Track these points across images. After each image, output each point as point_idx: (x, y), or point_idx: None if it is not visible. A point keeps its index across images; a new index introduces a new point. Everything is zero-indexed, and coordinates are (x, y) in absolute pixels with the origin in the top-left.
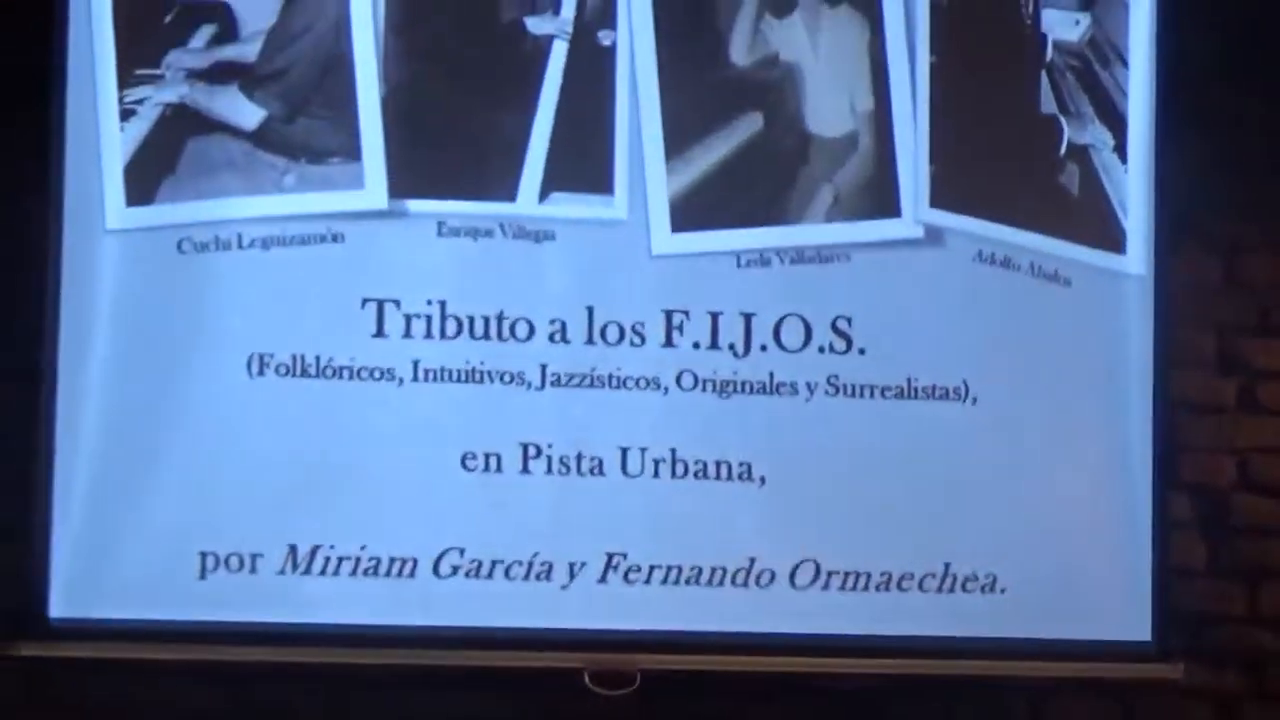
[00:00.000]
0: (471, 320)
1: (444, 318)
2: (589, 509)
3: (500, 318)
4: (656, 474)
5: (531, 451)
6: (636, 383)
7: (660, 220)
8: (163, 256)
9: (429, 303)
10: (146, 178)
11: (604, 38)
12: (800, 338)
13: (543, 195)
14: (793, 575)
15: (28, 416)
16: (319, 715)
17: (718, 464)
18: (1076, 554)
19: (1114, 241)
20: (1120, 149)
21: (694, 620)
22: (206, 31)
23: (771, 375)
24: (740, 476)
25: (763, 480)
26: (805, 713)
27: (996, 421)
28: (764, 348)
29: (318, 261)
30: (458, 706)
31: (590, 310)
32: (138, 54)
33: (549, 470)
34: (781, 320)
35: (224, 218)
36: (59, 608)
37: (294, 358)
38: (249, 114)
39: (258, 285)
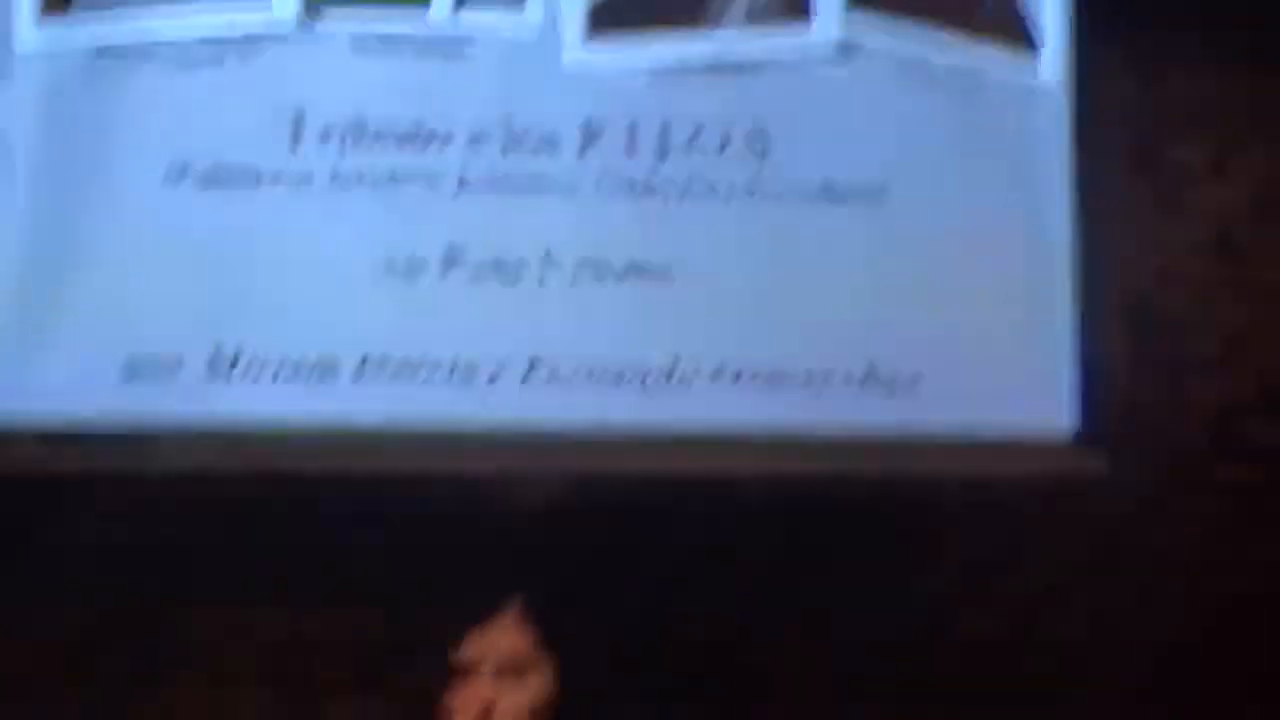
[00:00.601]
0: (389, 130)
1: (361, 127)
2: (509, 313)
3: (418, 126)
4: (576, 278)
5: (451, 256)
6: (555, 187)
7: (575, 30)
8: (81, 68)
9: (346, 114)
10: None
11: None
12: (718, 143)
13: (457, 5)
14: (714, 373)
15: None
16: (242, 519)
17: (636, 265)
18: (998, 348)
19: (1030, 44)
20: None
21: (617, 420)
22: None
23: (689, 178)
24: (659, 277)
25: (681, 280)
26: (721, 517)
27: (915, 222)
28: (682, 152)
29: (234, 75)
30: (376, 508)
31: (508, 118)
32: None
33: (470, 277)
34: (700, 128)
35: (140, 30)
36: None
37: (214, 165)
38: None
39: (175, 97)
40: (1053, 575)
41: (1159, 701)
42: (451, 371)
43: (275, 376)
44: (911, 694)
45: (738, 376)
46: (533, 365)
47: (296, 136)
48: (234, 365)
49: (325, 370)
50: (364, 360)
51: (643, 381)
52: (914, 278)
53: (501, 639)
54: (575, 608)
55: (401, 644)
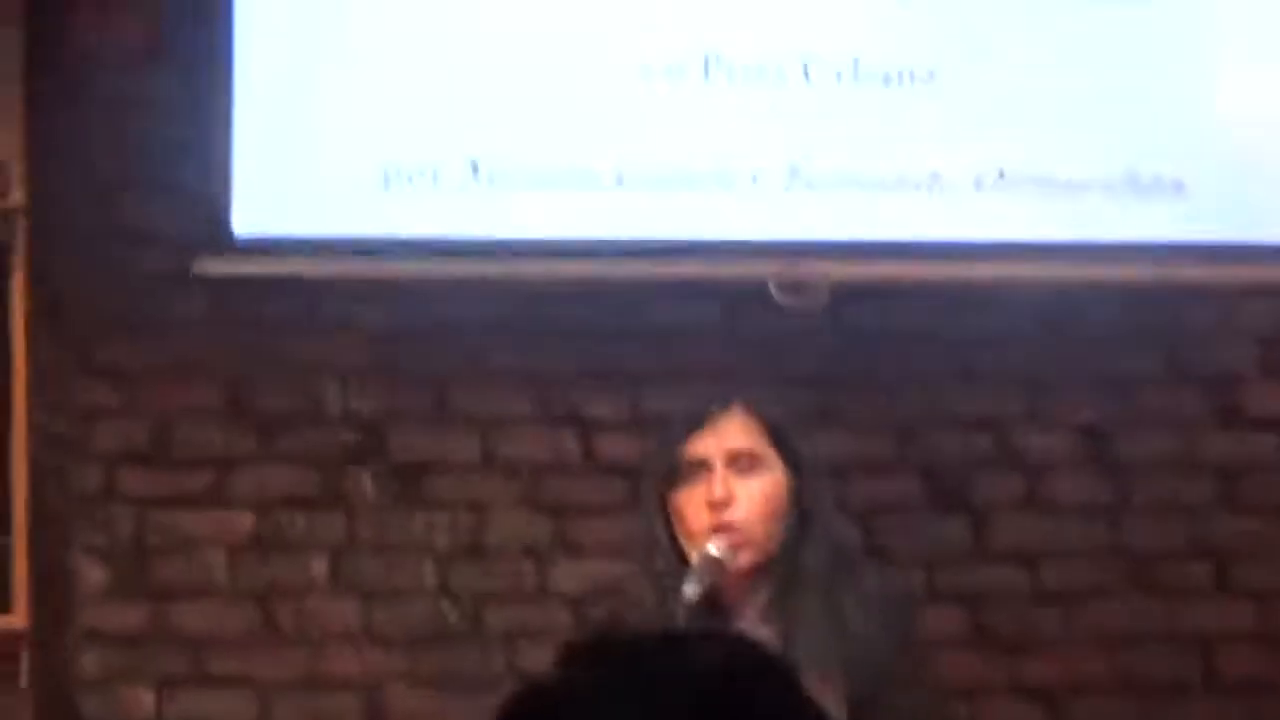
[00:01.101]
0: None
1: None
2: (772, 118)
3: None
4: (839, 80)
5: (713, 61)
6: None
7: None
8: None
9: None
10: None
11: None
12: None
13: None
14: (977, 181)
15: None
16: (503, 328)
17: (900, 71)
18: (1265, 155)
19: None
20: None
21: (879, 228)
22: None
23: None
24: (922, 80)
25: (945, 84)
26: (993, 321)
27: (1181, 22)
28: None
29: None
30: (646, 318)
31: None
32: None
33: (730, 79)
34: None
35: None
36: (242, 225)
37: None
38: None
39: None
40: None
41: None
42: (713, 179)
43: (532, 185)
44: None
45: (999, 181)
46: (793, 172)
47: None
48: (491, 175)
49: (583, 178)
50: (622, 168)
51: (905, 188)
52: (1179, 82)
53: (734, 433)
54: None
55: None
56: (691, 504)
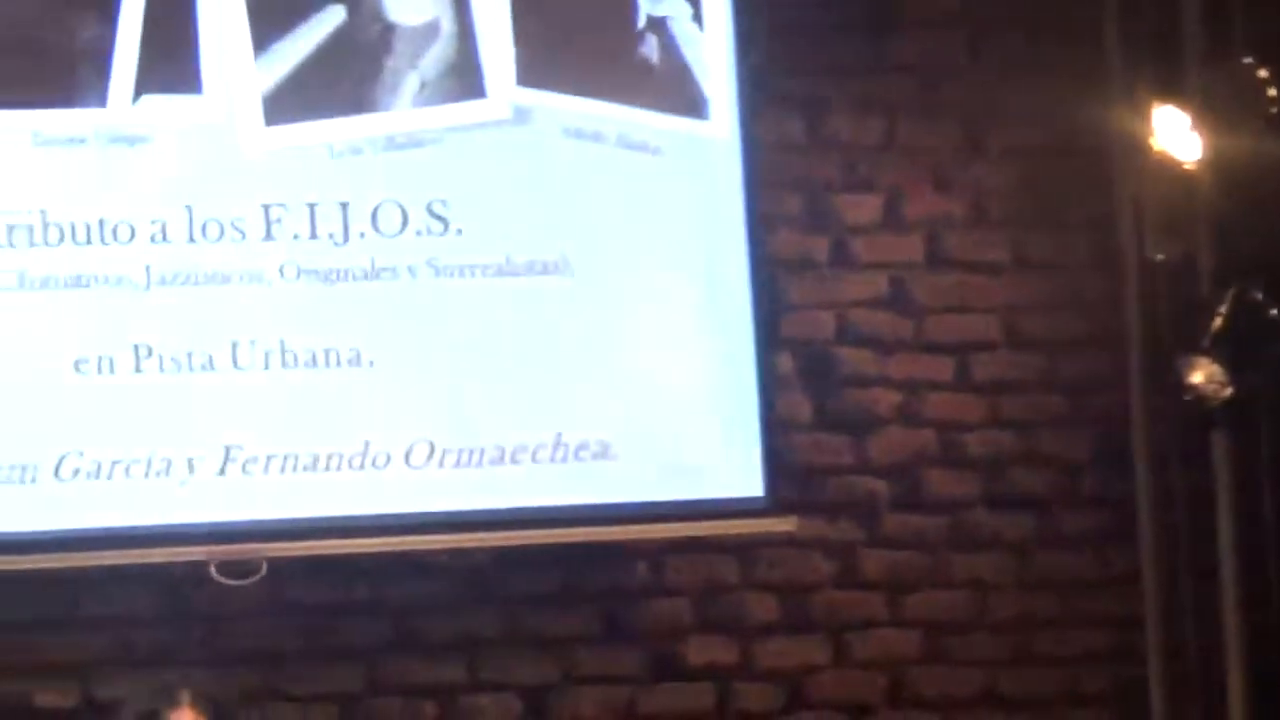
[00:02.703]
0: (73, 227)
1: (45, 226)
2: (203, 404)
3: (101, 223)
4: (267, 365)
5: (143, 352)
6: (241, 277)
7: (252, 117)
8: None
9: (29, 212)
10: None
11: None
12: (398, 223)
13: (135, 98)
14: (407, 456)
15: None
16: None
17: (326, 352)
18: (684, 416)
19: (698, 108)
20: (698, 17)
21: (314, 506)
22: None
23: (373, 261)
24: (350, 362)
25: (372, 364)
26: (432, 590)
27: (597, 292)
28: (362, 235)
29: None
30: (92, 605)
31: (190, 209)
32: None
33: (161, 369)
34: (378, 207)
35: None
36: None
37: None
38: None
39: None
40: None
41: None
42: (149, 466)
43: None
44: None
45: (429, 457)
46: (228, 454)
47: None
48: None
49: (22, 472)
50: (61, 460)
51: (337, 467)
52: (599, 349)
53: None
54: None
55: None
56: None
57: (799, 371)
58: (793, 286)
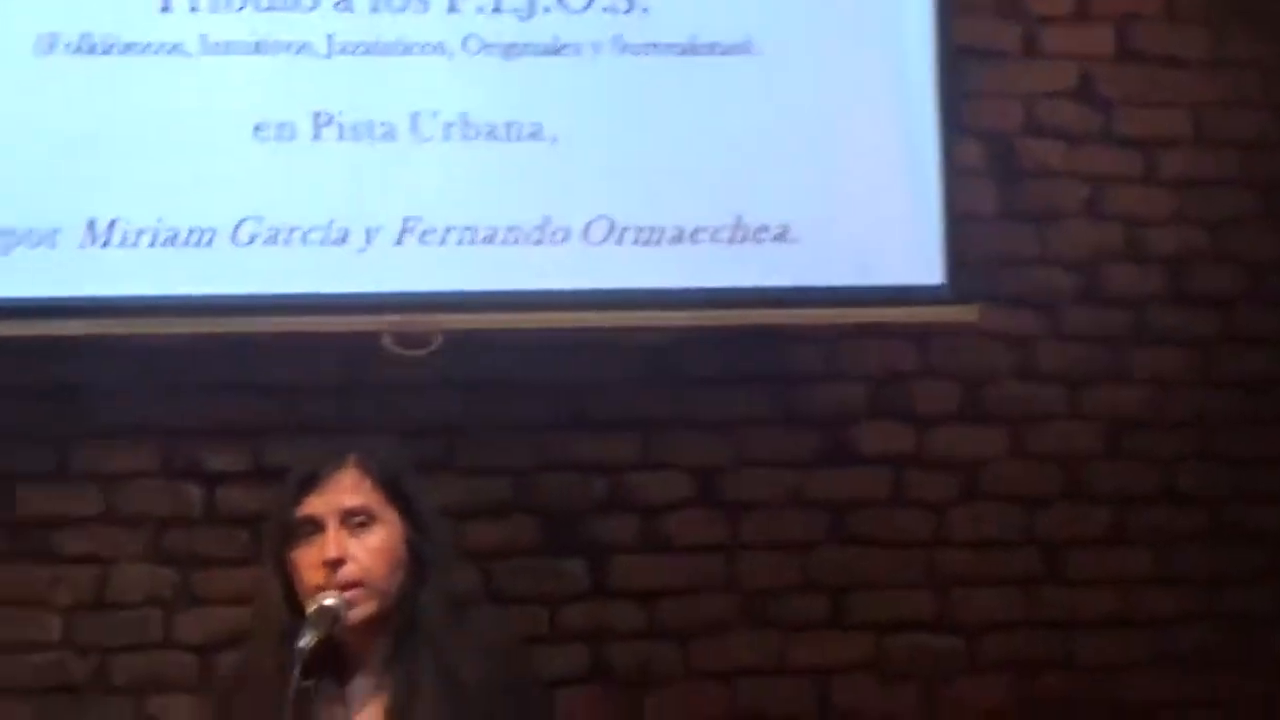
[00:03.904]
0: None
1: None
2: (382, 174)
3: None
4: (447, 137)
5: (323, 119)
6: (423, 48)
7: None
8: None
9: None
10: None
11: None
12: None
13: None
14: (586, 232)
15: None
16: (127, 388)
17: (508, 125)
18: (866, 202)
19: None
20: None
21: (491, 280)
22: None
23: (556, 37)
24: (531, 136)
25: (554, 139)
26: (605, 368)
27: (782, 74)
28: (547, 9)
29: None
30: (261, 374)
31: None
32: None
33: (340, 137)
34: None
35: None
36: None
37: (81, 35)
38: None
39: None
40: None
41: None
42: (326, 234)
43: (152, 244)
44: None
45: (608, 234)
46: (405, 225)
47: (166, 5)
48: (110, 236)
49: (200, 236)
50: (239, 226)
51: (515, 241)
52: (782, 131)
53: (346, 491)
54: (439, 461)
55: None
56: (306, 562)
57: (984, 161)
58: (980, 75)
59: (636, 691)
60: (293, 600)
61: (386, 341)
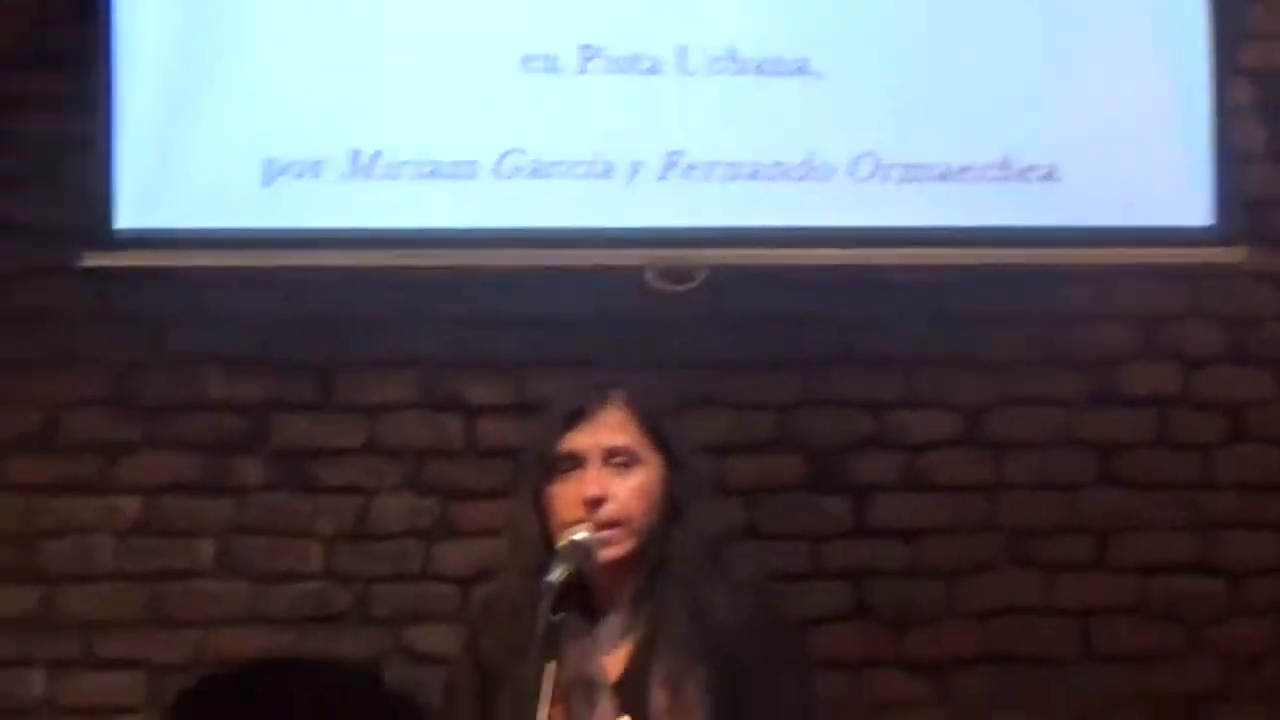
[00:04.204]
0: None
1: None
2: (647, 108)
3: None
4: (713, 71)
5: (589, 52)
6: None
7: None
8: None
9: None
10: None
11: None
12: None
13: None
14: (852, 168)
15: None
16: (389, 320)
17: (774, 60)
18: (1135, 141)
19: None
20: None
21: (755, 215)
22: None
23: None
24: (797, 71)
25: (820, 74)
26: (869, 305)
27: (1050, 10)
28: None
29: None
30: (524, 306)
31: None
32: None
33: (607, 70)
34: None
35: None
36: (125, 219)
37: None
38: None
39: None
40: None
41: None
42: (590, 167)
43: (415, 176)
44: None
45: (875, 167)
46: (670, 160)
47: None
48: (373, 167)
49: (463, 168)
50: (502, 158)
51: (780, 177)
52: (1051, 70)
53: (611, 430)
54: (702, 396)
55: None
56: (564, 497)
57: (1255, 101)
58: (1252, 14)
59: (898, 630)
60: (546, 534)
61: (650, 276)
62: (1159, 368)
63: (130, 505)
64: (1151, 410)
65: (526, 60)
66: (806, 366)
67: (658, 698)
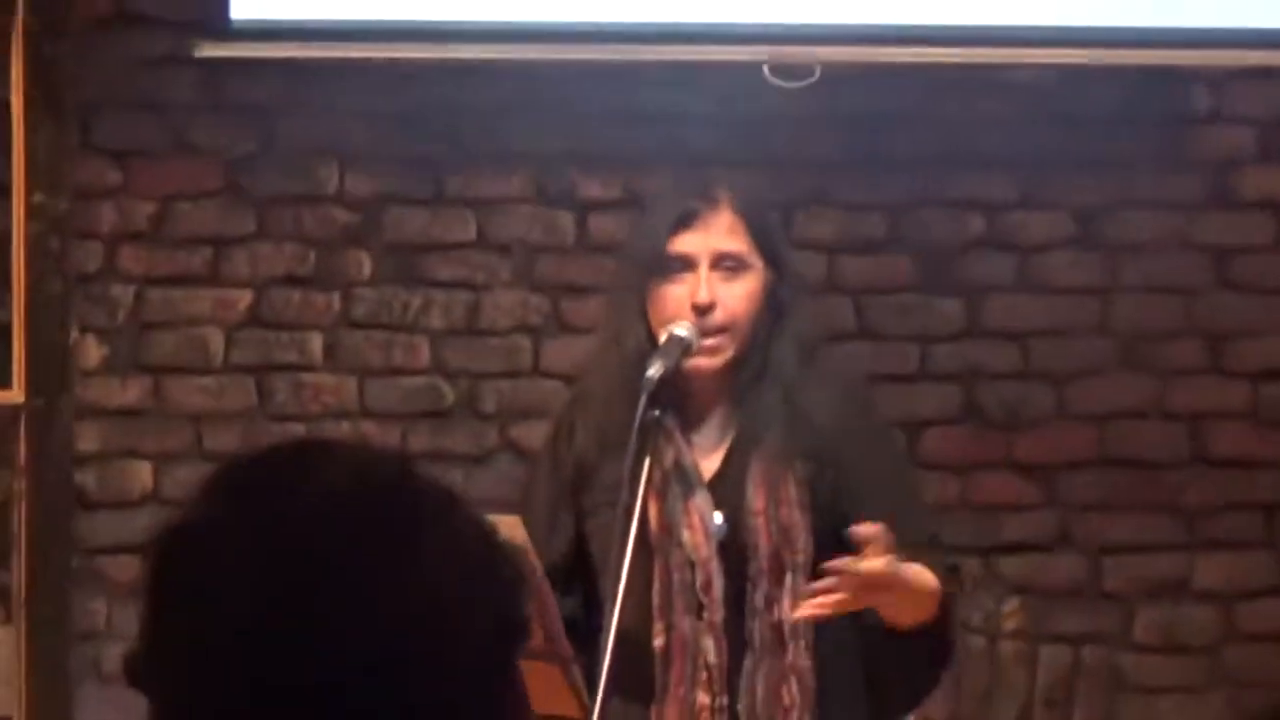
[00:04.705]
0: None
1: None
2: None
3: None
4: None
5: None
6: None
7: None
8: None
9: None
10: None
11: None
12: None
13: None
14: None
15: None
16: (502, 114)
17: None
18: None
19: None
20: None
21: (872, 13)
22: None
23: None
24: None
25: None
26: (986, 105)
27: None
28: None
29: None
30: (639, 101)
31: None
32: None
33: None
34: None
35: None
36: (240, 9)
37: None
38: None
39: None
40: None
41: None
42: None
43: None
44: None
45: None
46: None
47: None
48: None
49: None
50: None
51: None
52: None
53: (722, 234)
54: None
55: None
56: (671, 298)
57: None
58: None
59: (1007, 433)
60: (648, 332)
61: (765, 73)
62: (1277, 171)
63: (241, 298)
64: (1268, 214)
65: None
66: (919, 166)
67: (754, 496)
